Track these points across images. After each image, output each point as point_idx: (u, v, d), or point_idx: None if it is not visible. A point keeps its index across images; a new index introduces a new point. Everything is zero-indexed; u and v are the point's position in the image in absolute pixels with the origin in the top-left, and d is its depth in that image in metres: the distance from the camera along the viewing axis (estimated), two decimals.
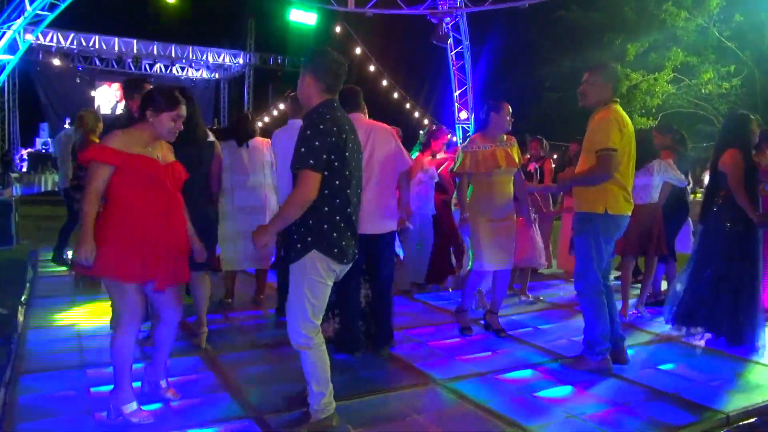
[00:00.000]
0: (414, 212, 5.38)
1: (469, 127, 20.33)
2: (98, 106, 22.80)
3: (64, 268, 6.51)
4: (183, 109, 2.87)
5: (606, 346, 3.65)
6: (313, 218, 2.62)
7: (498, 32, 21.73)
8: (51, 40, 22.18)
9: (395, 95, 20.82)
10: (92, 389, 3.20)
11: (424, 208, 5.66)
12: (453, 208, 5.84)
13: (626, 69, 17.46)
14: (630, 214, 3.67)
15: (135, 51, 24.35)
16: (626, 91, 18.06)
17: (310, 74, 2.69)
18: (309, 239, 2.62)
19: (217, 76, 28.17)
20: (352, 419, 2.88)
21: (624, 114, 3.59)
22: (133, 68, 24.41)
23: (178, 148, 3.59)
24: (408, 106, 21.32)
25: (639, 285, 5.38)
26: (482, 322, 4.55)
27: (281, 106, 21.67)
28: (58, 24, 18.00)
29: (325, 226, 2.63)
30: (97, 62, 24.65)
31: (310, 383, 2.73)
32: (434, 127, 6.19)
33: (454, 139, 16.46)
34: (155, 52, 24.87)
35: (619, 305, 4.20)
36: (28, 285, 5.69)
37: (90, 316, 4.62)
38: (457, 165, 4.39)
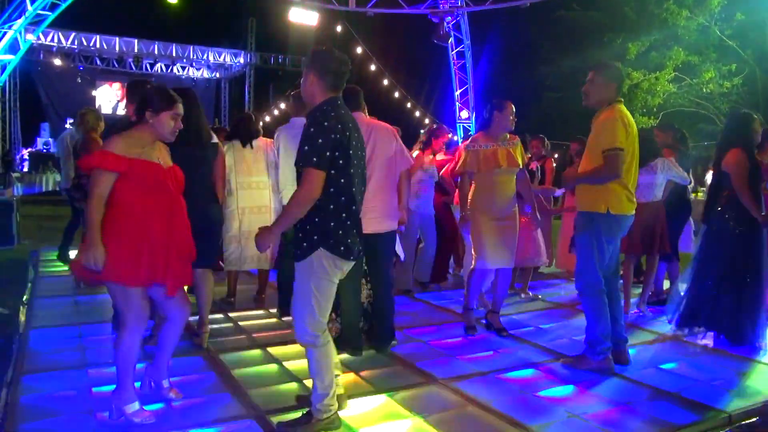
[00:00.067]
0: (413, 211, 5.40)
1: (470, 127, 20.32)
2: (99, 106, 22.83)
3: (66, 268, 6.51)
4: (180, 107, 2.87)
5: (607, 345, 3.65)
6: (319, 216, 2.62)
7: (499, 31, 21.75)
8: (52, 40, 22.22)
9: (396, 94, 20.82)
10: (94, 389, 3.20)
11: (425, 207, 5.66)
12: (453, 207, 5.86)
13: (627, 68, 17.42)
14: (633, 213, 3.66)
15: (136, 50, 24.39)
16: (627, 91, 18.04)
17: (313, 72, 2.69)
18: (315, 237, 2.62)
19: (218, 75, 28.21)
20: (353, 419, 2.88)
21: (628, 114, 3.59)
22: (134, 68, 24.44)
23: (182, 148, 3.60)
24: (409, 105, 21.32)
25: (641, 284, 5.38)
26: (484, 321, 4.55)
27: (282, 106, 21.71)
28: (59, 24, 18.03)
29: (332, 224, 2.63)
30: (98, 62, 24.68)
31: (315, 383, 2.74)
32: (435, 126, 6.19)
33: (456, 138, 16.47)
34: (156, 52, 24.91)
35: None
36: (29, 285, 5.70)
37: (92, 316, 4.62)
38: (458, 164, 4.39)
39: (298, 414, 2.85)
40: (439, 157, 5.96)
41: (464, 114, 20.72)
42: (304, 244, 2.64)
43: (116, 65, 24.88)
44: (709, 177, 9.52)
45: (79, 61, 24.16)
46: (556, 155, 7.18)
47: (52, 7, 14.82)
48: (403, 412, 3.02)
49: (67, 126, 21.12)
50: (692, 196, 6.11)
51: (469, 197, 4.35)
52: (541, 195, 5.75)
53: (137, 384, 2.95)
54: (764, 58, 17.61)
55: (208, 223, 3.72)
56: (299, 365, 3.57)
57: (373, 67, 19.71)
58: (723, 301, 4.11)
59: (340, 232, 2.65)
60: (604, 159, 3.45)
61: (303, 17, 17.04)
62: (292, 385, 3.35)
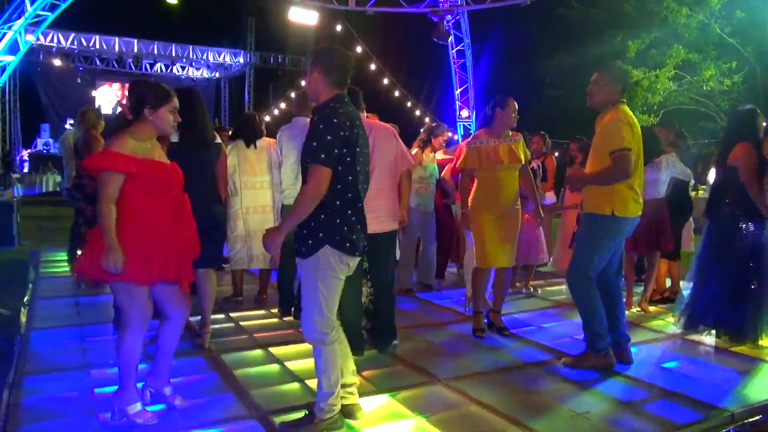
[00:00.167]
0: (414, 209, 5.39)
1: (470, 125, 20.31)
2: (99, 106, 22.79)
3: (66, 269, 6.51)
4: (176, 101, 2.86)
5: (607, 341, 3.66)
6: (325, 213, 2.61)
7: (499, 30, 21.74)
8: (51, 41, 22.22)
9: (396, 93, 20.81)
10: (96, 390, 3.19)
11: (426, 205, 5.66)
12: (456, 205, 5.85)
13: (627, 66, 17.38)
14: (639, 216, 3.65)
15: (135, 51, 24.38)
16: (627, 89, 17.97)
17: (318, 70, 2.69)
18: (321, 235, 2.61)
19: (217, 75, 28.21)
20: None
21: (632, 114, 3.59)
22: (133, 68, 24.43)
23: (187, 149, 3.61)
24: (409, 104, 21.31)
25: (642, 282, 5.38)
26: (485, 320, 4.54)
27: (282, 105, 21.72)
28: (59, 24, 18.02)
29: (337, 221, 2.63)
30: (98, 62, 24.68)
31: (320, 381, 2.74)
32: (434, 123, 6.18)
33: (456, 137, 16.45)
34: (156, 52, 24.90)
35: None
36: (30, 286, 5.69)
37: (93, 317, 4.61)
38: (459, 161, 4.38)
39: (300, 414, 2.85)
40: (439, 155, 5.95)
41: (464, 113, 20.72)
42: (310, 241, 2.63)
43: (116, 65, 24.88)
44: (711, 175, 9.51)
45: (78, 61, 24.17)
46: (556, 153, 7.15)
47: (52, 7, 14.81)
48: (406, 411, 3.02)
49: (67, 126, 21.18)
50: (692, 194, 6.11)
51: (471, 195, 4.35)
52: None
53: (139, 385, 2.95)
54: (764, 55, 17.58)
55: (213, 223, 3.72)
56: (301, 365, 3.57)
57: (373, 67, 19.69)
58: (728, 299, 4.09)
59: (346, 228, 2.65)
60: (613, 160, 3.44)
61: (303, 17, 17.03)
62: (294, 385, 3.35)
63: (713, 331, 4.23)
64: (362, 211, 2.76)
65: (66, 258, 6.69)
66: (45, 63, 23.12)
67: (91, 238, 2.82)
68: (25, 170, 21.17)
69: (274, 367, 3.65)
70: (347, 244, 2.65)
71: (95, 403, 3.04)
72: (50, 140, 22.64)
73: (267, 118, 21.83)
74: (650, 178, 4.65)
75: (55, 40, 22.37)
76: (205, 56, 26.28)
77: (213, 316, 4.12)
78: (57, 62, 22.78)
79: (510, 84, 20.42)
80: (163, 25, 22.82)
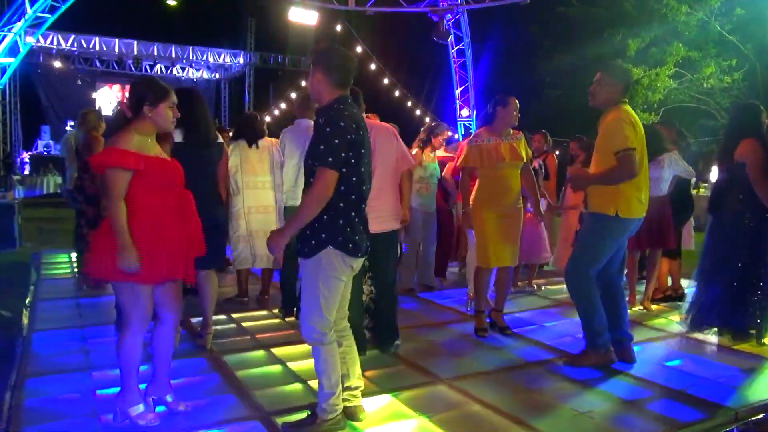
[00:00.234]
0: (416, 209, 5.39)
1: (470, 125, 20.30)
2: (99, 108, 22.76)
3: (68, 270, 6.52)
4: (174, 96, 2.86)
5: (606, 338, 3.66)
6: (328, 214, 2.61)
7: (499, 29, 21.71)
8: (51, 43, 22.20)
9: (396, 93, 20.80)
10: (98, 392, 3.19)
11: (428, 205, 5.65)
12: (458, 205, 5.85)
13: (627, 64, 17.35)
14: (643, 216, 3.64)
15: (135, 52, 24.36)
16: (629, 88, 17.92)
17: (320, 71, 2.68)
18: (324, 236, 2.61)
19: (217, 76, 28.19)
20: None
21: (633, 113, 3.58)
22: (133, 69, 24.40)
23: (190, 149, 3.61)
24: (409, 104, 21.30)
25: (643, 279, 5.37)
26: (487, 320, 4.54)
27: (283, 106, 21.72)
28: (59, 26, 18.01)
29: (340, 222, 2.62)
30: (98, 64, 24.67)
31: (321, 381, 2.73)
32: (433, 123, 6.17)
33: (456, 136, 16.43)
34: (156, 53, 24.89)
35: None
36: (31, 287, 5.69)
37: (95, 318, 4.61)
38: (460, 159, 4.38)
39: (303, 415, 2.84)
40: (440, 153, 5.94)
41: (465, 112, 20.70)
42: (312, 242, 2.62)
43: (116, 67, 24.86)
44: (713, 173, 9.48)
45: (78, 63, 24.16)
46: (557, 152, 7.14)
47: (52, 9, 14.81)
48: (408, 412, 3.01)
49: (68, 128, 21.18)
50: (693, 192, 6.11)
51: (472, 193, 4.34)
52: (543, 188, 5.76)
53: (142, 386, 2.94)
54: (764, 52, 17.54)
55: (213, 224, 3.72)
56: (303, 366, 3.56)
57: (373, 66, 19.68)
58: (734, 299, 4.06)
59: (349, 229, 2.64)
60: (618, 161, 3.43)
61: (302, 17, 17.01)
62: (297, 386, 3.34)
63: (716, 330, 4.22)
64: (364, 212, 2.76)
65: (67, 260, 6.69)
66: (45, 65, 23.11)
67: (96, 238, 2.80)
68: (26, 172, 21.15)
69: (277, 368, 3.65)
70: (350, 246, 2.64)
71: (97, 405, 3.03)
72: (51, 142, 22.64)
73: (267, 119, 21.84)
74: (653, 176, 4.63)
75: (55, 42, 22.36)
76: (205, 57, 26.26)
77: (215, 317, 4.12)
78: (57, 64, 22.78)
79: (510, 83, 20.40)
80: (162, 27, 22.81)
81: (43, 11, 14.76)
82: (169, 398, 2.98)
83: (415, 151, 5.55)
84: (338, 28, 18.20)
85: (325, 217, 2.60)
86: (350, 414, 2.87)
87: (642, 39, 18.09)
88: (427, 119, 19.40)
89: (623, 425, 2.91)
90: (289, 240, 2.65)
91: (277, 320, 4.71)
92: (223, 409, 3.03)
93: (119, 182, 2.65)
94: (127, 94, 2.91)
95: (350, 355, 2.89)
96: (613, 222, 3.55)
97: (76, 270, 6.19)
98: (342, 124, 2.58)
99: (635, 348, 3.83)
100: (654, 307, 5.17)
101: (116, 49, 23.95)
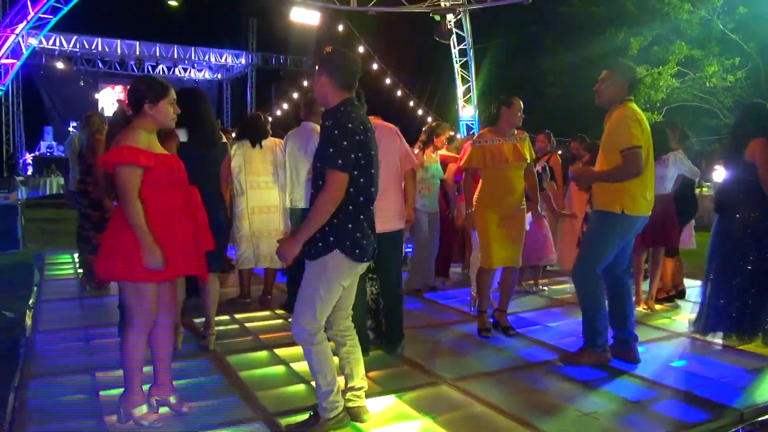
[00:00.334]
0: (419, 210, 5.38)
1: (473, 124, 20.27)
2: (102, 108, 22.87)
3: (71, 271, 6.52)
4: (174, 93, 2.85)
5: (605, 338, 3.67)
6: (338, 218, 2.60)
7: (501, 29, 21.66)
8: (54, 44, 22.26)
9: (398, 93, 20.78)
10: (101, 392, 3.19)
11: (431, 205, 5.64)
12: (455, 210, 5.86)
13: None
14: (648, 214, 3.63)
15: (137, 53, 24.42)
16: (635, 86, 17.85)
17: (325, 74, 2.68)
18: (332, 239, 2.60)
19: (219, 76, 28.23)
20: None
21: (639, 111, 3.57)
22: (135, 70, 24.46)
23: (194, 150, 3.61)
24: (412, 104, 21.28)
25: (646, 278, 5.36)
26: (491, 320, 4.53)
27: (285, 106, 21.71)
28: (61, 27, 18.03)
29: (349, 226, 2.62)
30: (100, 65, 24.72)
31: (317, 381, 2.73)
32: (434, 123, 6.15)
33: (458, 136, 16.40)
34: (158, 54, 24.93)
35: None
36: (34, 288, 5.69)
37: (98, 319, 4.61)
38: (464, 160, 4.37)
39: (306, 416, 2.83)
40: (442, 152, 5.92)
41: (467, 112, 20.65)
42: (320, 244, 2.61)
43: (118, 68, 24.92)
44: (715, 172, 9.45)
45: (81, 64, 24.21)
46: (560, 151, 7.12)
47: (54, 10, 14.82)
48: (412, 412, 3.00)
49: (71, 129, 21.23)
50: (696, 191, 6.09)
51: (476, 194, 4.33)
52: (549, 191, 5.74)
53: (146, 387, 2.94)
54: (767, 51, 17.50)
55: (216, 225, 3.71)
56: (307, 366, 3.52)
57: (375, 66, 19.67)
58: (745, 304, 4.02)
59: (358, 234, 2.64)
60: (624, 158, 3.42)
61: (304, 17, 17.00)
62: (300, 387, 3.33)
63: (720, 332, 4.18)
64: (372, 214, 2.76)
65: (71, 260, 6.70)
66: (48, 66, 23.18)
67: (103, 240, 2.77)
68: (29, 173, 21.19)
69: (280, 369, 3.64)
70: (357, 251, 2.63)
71: (101, 406, 3.03)
72: (53, 143, 22.70)
73: (269, 119, 21.83)
74: (657, 175, 4.60)
75: (58, 43, 22.41)
76: (207, 57, 26.29)
77: (217, 318, 4.12)
78: (60, 65, 22.83)
79: (512, 82, 20.33)
80: (164, 27, 22.86)
81: (45, 12, 14.77)
82: (172, 399, 2.97)
83: (416, 152, 5.54)
84: (340, 28, 18.18)
85: (335, 220, 2.59)
86: (354, 415, 2.86)
87: (644, 38, 18.06)
88: (429, 119, 19.38)
89: (629, 426, 2.89)
90: (300, 246, 2.61)
91: (281, 321, 4.71)
92: (226, 410, 3.02)
93: (132, 180, 2.64)
94: (127, 93, 2.91)
95: (354, 356, 2.89)
96: (620, 220, 3.54)
97: (79, 271, 6.19)
98: (350, 125, 2.57)
99: (639, 348, 3.82)
100: (658, 306, 5.16)
101: (118, 50, 24.00)
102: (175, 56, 25.47)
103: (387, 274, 3.91)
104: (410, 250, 5.93)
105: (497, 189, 4.23)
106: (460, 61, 20.26)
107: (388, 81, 20.30)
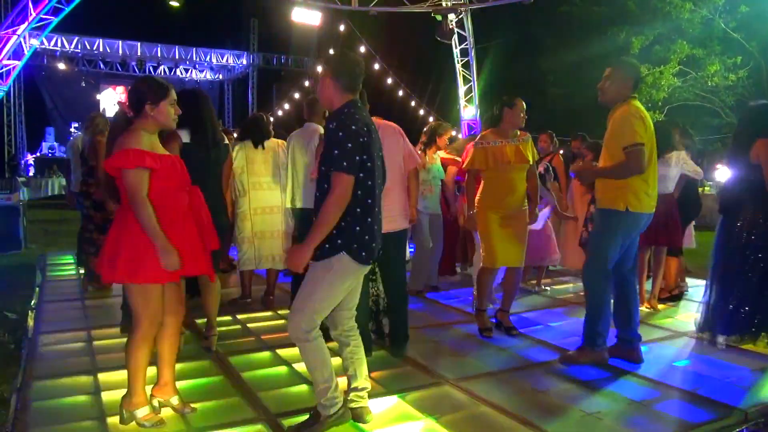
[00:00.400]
0: (421, 211, 5.37)
1: (475, 124, 20.25)
2: (103, 109, 22.89)
3: (73, 272, 6.52)
4: (174, 93, 2.85)
5: (605, 339, 3.67)
6: (345, 220, 2.59)
7: (502, 28, 21.65)
8: (55, 45, 22.28)
9: (400, 93, 20.77)
10: (104, 393, 3.19)
11: (433, 207, 5.64)
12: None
13: None
14: (652, 211, 3.63)
15: (139, 53, 24.43)
16: (639, 84, 17.82)
17: (329, 77, 2.68)
18: (339, 241, 2.59)
19: (220, 77, 28.24)
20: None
21: (643, 109, 3.57)
22: (137, 71, 24.47)
23: (197, 151, 3.61)
24: (413, 103, 21.27)
25: (648, 278, 5.35)
26: (493, 320, 4.52)
27: (286, 106, 21.71)
28: (62, 28, 18.04)
29: (357, 228, 2.61)
30: (102, 65, 24.74)
31: (314, 378, 2.73)
32: (434, 123, 6.14)
33: (459, 136, 16.40)
34: (159, 55, 24.95)
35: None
36: (37, 289, 5.69)
37: (100, 320, 4.61)
38: (466, 161, 4.36)
39: (307, 415, 2.82)
40: (441, 154, 5.92)
41: (469, 112, 20.64)
42: (327, 245, 2.60)
43: (119, 69, 24.93)
44: (717, 171, 9.43)
45: (82, 65, 24.23)
46: (561, 151, 7.11)
47: (55, 11, 14.83)
48: (415, 413, 3.00)
49: (72, 130, 21.24)
50: (699, 190, 6.08)
51: (478, 195, 4.32)
52: (553, 192, 5.75)
53: (149, 389, 2.93)
54: None
55: (218, 226, 3.70)
56: None
57: (376, 66, 19.66)
58: (747, 301, 4.00)
59: (366, 237, 2.63)
60: (626, 155, 3.42)
61: (306, 17, 17.00)
62: (303, 387, 3.33)
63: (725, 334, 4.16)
64: (379, 216, 2.75)
65: (73, 261, 6.70)
66: (49, 67, 23.19)
67: (107, 243, 2.74)
68: (31, 174, 21.21)
69: (282, 369, 3.63)
70: (363, 253, 2.63)
71: (103, 407, 3.03)
72: (55, 144, 22.70)
73: (270, 119, 21.83)
74: (660, 174, 4.59)
75: (59, 44, 22.43)
76: (208, 58, 26.30)
77: (219, 319, 4.12)
78: (61, 66, 22.85)
79: (513, 82, 20.33)
80: (166, 28, 22.89)
81: (47, 13, 14.78)
82: (175, 400, 2.97)
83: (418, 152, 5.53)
84: (341, 28, 18.18)
85: (343, 223, 2.58)
86: (357, 415, 2.85)
87: (645, 37, 18.03)
88: (431, 119, 19.36)
89: (632, 426, 2.88)
90: (311, 254, 2.58)
91: (283, 321, 4.69)
92: (229, 411, 3.02)
93: (141, 182, 2.62)
94: (127, 94, 2.90)
95: (357, 356, 2.88)
96: (624, 217, 3.53)
97: (81, 272, 6.19)
98: (353, 127, 2.57)
99: (642, 348, 3.81)
100: (660, 306, 5.15)
101: (120, 51, 24.02)
102: (177, 57, 25.49)
103: (392, 275, 3.90)
104: (412, 250, 5.92)
105: (499, 190, 4.22)
106: (461, 60, 20.24)
107: (389, 81, 20.30)
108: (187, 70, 26.76)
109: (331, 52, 2.94)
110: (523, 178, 4.28)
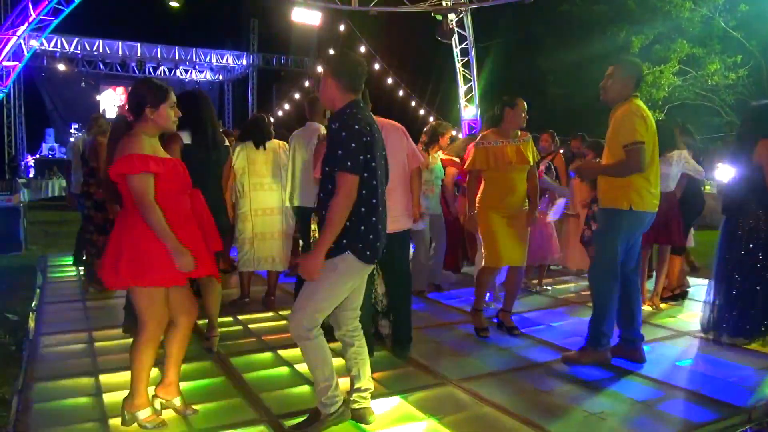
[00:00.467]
0: (423, 211, 5.36)
1: (475, 124, 20.24)
2: (103, 110, 22.89)
3: (74, 273, 6.51)
4: (174, 96, 2.84)
5: (609, 339, 3.66)
6: (351, 220, 2.58)
7: (502, 28, 21.64)
8: (55, 46, 22.27)
9: (400, 93, 20.76)
10: (105, 395, 3.18)
11: (434, 207, 5.63)
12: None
13: None
14: (656, 210, 3.62)
15: (139, 54, 24.41)
16: (641, 82, 17.81)
17: (331, 77, 2.67)
18: (344, 241, 2.59)
19: (220, 77, 28.22)
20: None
21: (645, 107, 3.56)
22: (137, 72, 24.46)
23: (198, 152, 3.60)
24: (413, 103, 21.26)
25: (650, 277, 5.35)
26: (495, 320, 4.51)
27: (286, 107, 21.70)
28: (62, 29, 18.04)
29: (362, 228, 2.61)
30: (101, 66, 24.71)
31: (315, 377, 2.73)
32: (437, 123, 6.13)
33: (459, 136, 16.37)
34: (159, 55, 24.93)
35: None
36: (37, 291, 5.68)
37: (101, 321, 4.60)
38: (467, 162, 4.35)
39: (308, 415, 2.81)
40: (440, 155, 5.91)
41: (469, 111, 20.62)
42: (332, 245, 2.59)
43: (119, 69, 24.91)
44: (717, 171, 9.41)
45: (82, 66, 24.21)
46: (561, 150, 7.11)
47: (55, 12, 14.82)
48: (418, 414, 2.99)
49: (72, 131, 21.22)
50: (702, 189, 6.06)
51: (479, 195, 4.31)
52: (556, 191, 5.73)
53: (151, 391, 2.92)
54: None
55: (218, 227, 3.70)
56: None
57: (376, 66, 19.64)
58: (751, 301, 3.99)
59: (371, 236, 2.63)
60: (626, 153, 3.41)
61: (305, 17, 16.98)
62: (305, 388, 3.32)
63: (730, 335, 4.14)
64: (384, 215, 2.75)
65: (73, 262, 6.70)
66: (49, 68, 23.17)
67: (113, 247, 2.71)
68: (31, 175, 21.19)
69: (284, 370, 3.63)
70: (368, 253, 2.63)
71: (105, 408, 3.02)
72: (55, 145, 22.69)
73: (270, 120, 21.79)
74: (661, 172, 4.59)
75: (59, 45, 22.42)
76: (208, 59, 26.28)
77: (221, 319, 4.11)
78: (61, 67, 22.82)
79: (514, 82, 20.34)
80: (165, 29, 22.88)
81: (46, 14, 14.77)
82: (177, 401, 2.96)
83: None
84: (341, 28, 18.17)
85: (348, 223, 2.58)
86: (359, 416, 2.84)
87: (645, 36, 18.04)
88: (431, 119, 19.35)
89: (636, 427, 2.87)
90: (323, 259, 2.56)
91: (284, 322, 4.68)
92: (230, 412, 3.01)
93: (147, 187, 2.62)
94: (126, 98, 2.89)
95: (361, 356, 2.88)
96: (627, 215, 3.53)
97: (82, 273, 6.19)
98: (357, 127, 2.56)
99: (645, 348, 3.80)
100: (662, 305, 5.14)
101: (119, 52, 24.00)
102: (177, 57, 25.47)
103: (395, 276, 3.88)
104: (412, 250, 5.92)
105: (500, 190, 4.21)
106: (461, 60, 20.21)
107: (389, 81, 20.28)
108: (186, 71, 26.74)
109: (331, 52, 2.94)
110: (524, 178, 4.27)
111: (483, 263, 4.36)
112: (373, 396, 2.99)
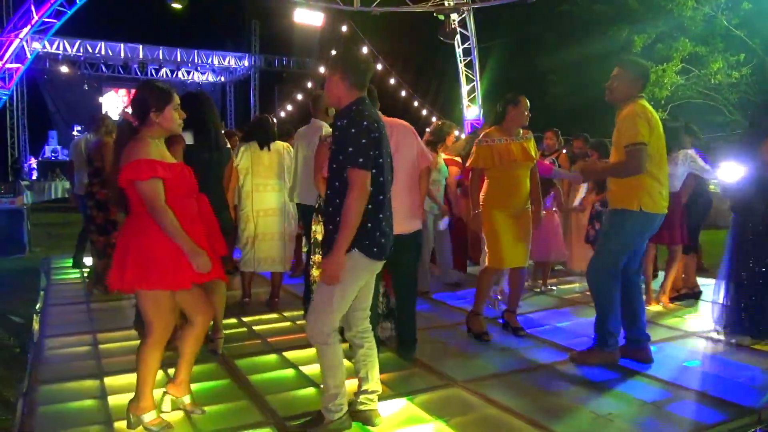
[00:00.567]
0: (427, 212, 5.35)
1: (478, 124, 20.22)
2: (106, 112, 22.88)
3: (78, 275, 6.51)
4: (177, 97, 2.83)
5: (617, 338, 3.64)
6: None
7: (504, 28, 21.62)
8: (57, 48, 22.29)
9: (403, 93, 20.74)
10: (111, 398, 3.17)
11: (439, 207, 5.61)
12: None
13: None
14: (665, 212, 3.59)
15: (141, 56, 24.41)
16: (647, 83, 17.78)
17: (337, 75, 2.66)
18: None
19: (222, 79, 28.22)
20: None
21: (650, 108, 3.52)
22: (139, 74, 24.49)
23: (200, 153, 3.59)
24: (416, 104, 21.24)
25: (654, 277, 5.33)
26: (500, 321, 4.49)
27: (288, 108, 21.70)
28: (64, 32, 18.08)
29: (369, 225, 2.59)
30: (104, 68, 24.72)
31: (326, 382, 2.71)
32: (441, 122, 6.11)
33: (462, 136, 16.34)
34: (161, 57, 24.93)
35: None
36: (42, 293, 5.68)
37: (105, 324, 4.59)
38: (470, 160, 4.33)
39: (313, 418, 2.80)
40: (442, 154, 5.89)
41: (472, 111, 20.60)
42: None
43: (122, 71, 24.93)
44: (720, 169, 9.37)
45: (84, 68, 24.24)
46: (564, 150, 7.11)
47: (58, 14, 14.85)
48: (424, 416, 2.97)
49: (75, 133, 21.23)
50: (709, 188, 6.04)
51: (482, 194, 4.28)
52: (570, 179, 5.72)
53: (157, 391, 2.91)
54: None
55: (221, 228, 3.69)
56: (316, 370, 3.49)
57: (379, 67, 19.63)
58: (760, 300, 3.96)
59: (378, 233, 2.62)
60: (626, 154, 3.40)
61: (307, 18, 16.96)
62: (310, 390, 3.30)
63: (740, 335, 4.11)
64: (391, 212, 2.74)
65: (72, 265, 6.70)
66: (51, 70, 23.19)
67: (120, 251, 2.70)
68: (34, 177, 21.21)
69: (289, 372, 3.61)
70: (375, 249, 2.62)
71: (110, 411, 3.01)
72: (58, 147, 22.69)
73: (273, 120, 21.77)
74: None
75: (61, 48, 22.43)
76: (210, 60, 26.28)
77: (225, 321, 4.10)
78: (63, 69, 22.84)
79: (516, 81, 20.28)
80: (167, 30, 22.87)
81: (49, 17, 14.80)
82: (187, 399, 2.97)
83: None
84: (344, 28, 18.16)
85: None
86: (366, 418, 2.83)
87: (648, 35, 17.97)
88: (434, 119, 19.32)
89: (645, 428, 2.85)
90: (343, 259, 2.55)
91: (289, 323, 4.68)
92: (236, 414, 3.00)
93: (157, 191, 2.61)
94: (130, 103, 2.89)
95: (371, 358, 2.86)
96: (637, 217, 3.50)
97: (86, 275, 6.18)
98: (364, 123, 2.56)
99: (652, 348, 3.78)
100: (670, 305, 5.11)
101: (122, 54, 24.01)
102: (178, 59, 25.47)
103: (405, 277, 3.86)
104: None
105: (504, 189, 4.19)
106: (464, 60, 20.19)
107: (392, 81, 20.27)
108: (189, 73, 26.75)
109: (334, 52, 2.92)
110: (527, 176, 4.24)
111: (485, 263, 4.34)
112: (379, 398, 2.97)
